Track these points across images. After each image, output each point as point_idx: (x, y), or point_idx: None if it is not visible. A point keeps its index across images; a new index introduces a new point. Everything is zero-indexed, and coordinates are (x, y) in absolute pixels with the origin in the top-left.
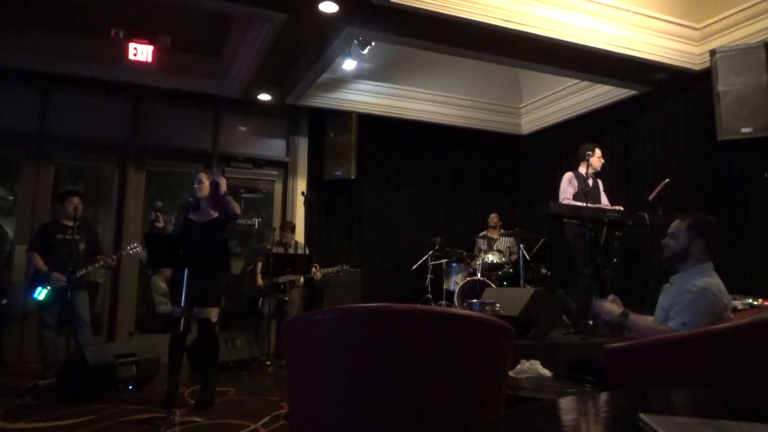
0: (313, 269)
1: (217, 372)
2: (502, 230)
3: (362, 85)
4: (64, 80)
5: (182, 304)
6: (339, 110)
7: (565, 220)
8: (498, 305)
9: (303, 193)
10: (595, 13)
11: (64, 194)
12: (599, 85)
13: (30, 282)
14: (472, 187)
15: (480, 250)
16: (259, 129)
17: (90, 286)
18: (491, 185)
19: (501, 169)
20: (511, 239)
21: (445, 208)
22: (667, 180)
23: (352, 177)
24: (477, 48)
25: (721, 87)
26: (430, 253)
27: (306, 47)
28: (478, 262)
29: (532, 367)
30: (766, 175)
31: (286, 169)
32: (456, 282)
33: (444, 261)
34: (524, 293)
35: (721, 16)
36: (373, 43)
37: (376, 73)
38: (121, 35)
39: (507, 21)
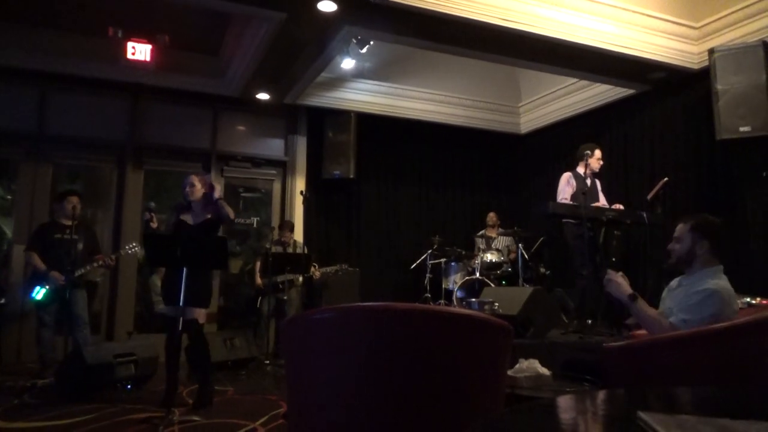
0: (312, 268)
1: (213, 371)
2: (500, 229)
3: (361, 85)
4: (62, 79)
5: (180, 304)
6: (338, 109)
7: (563, 219)
8: (497, 304)
9: (302, 193)
10: (594, 12)
11: (63, 194)
12: (598, 84)
13: (28, 281)
14: (470, 186)
15: (479, 249)
16: (257, 128)
17: (88, 285)
18: (490, 184)
19: (500, 169)
20: (510, 238)
21: (444, 207)
22: (666, 179)
23: (351, 176)
24: (476, 47)
25: (719, 86)
26: (429, 252)
27: (304, 46)
28: (477, 261)
29: (530, 366)
30: (764, 173)
31: (284, 168)
32: (455, 281)
33: (443, 260)
34: (523, 292)
35: (720, 15)
36: (371, 43)
37: (375, 72)
38: (119, 34)
39: (506, 20)
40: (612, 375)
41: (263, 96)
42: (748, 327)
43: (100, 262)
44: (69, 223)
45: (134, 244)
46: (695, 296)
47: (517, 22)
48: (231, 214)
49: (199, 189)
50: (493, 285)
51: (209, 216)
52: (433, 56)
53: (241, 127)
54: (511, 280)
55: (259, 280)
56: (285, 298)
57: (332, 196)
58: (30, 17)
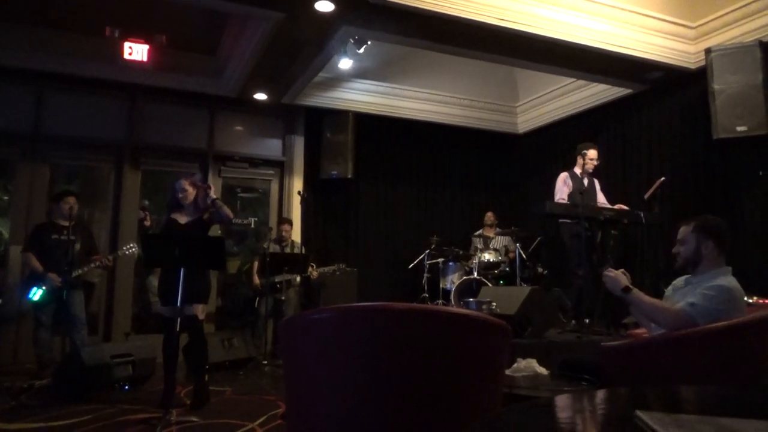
0: (310, 268)
1: (209, 370)
2: (498, 229)
3: (359, 84)
4: (59, 79)
5: (177, 304)
6: (335, 109)
7: (560, 219)
8: (494, 304)
9: (299, 193)
10: (591, 11)
11: (60, 194)
12: (595, 83)
13: (25, 282)
14: (468, 186)
15: (476, 248)
16: (255, 128)
17: (86, 286)
18: (488, 184)
19: (497, 168)
20: (508, 238)
21: (442, 206)
22: (663, 178)
23: (349, 176)
24: (473, 47)
25: (716, 85)
26: (427, 252)
27: (302, 46)
28: (475, 261)
29: (528, 366)
30: (761, 173)
31: (282, 168)
32: (452, 281)
33: (440, 260)
34: (520, 292)
35: (716, 14)
36: (369, 42)
37: (373, 72)
38: (116, 34)
39: (503, 20)
40: (610, 374)
41: (261, 96)
42: (746, 326)
43: (98, 263)
44: (66, 223)
45: (132, 245)
46: (707, 290)
47: (515, 22)
48: (230, 213)
49: (191, 192)
50: (490, 285)
51: (202, 215)
52: (431, 56)
53: (238, 127)
54: (509, 279)
55: (257, 280)
56: (283, 298)
57: (330, 196)
58: (27, 17)
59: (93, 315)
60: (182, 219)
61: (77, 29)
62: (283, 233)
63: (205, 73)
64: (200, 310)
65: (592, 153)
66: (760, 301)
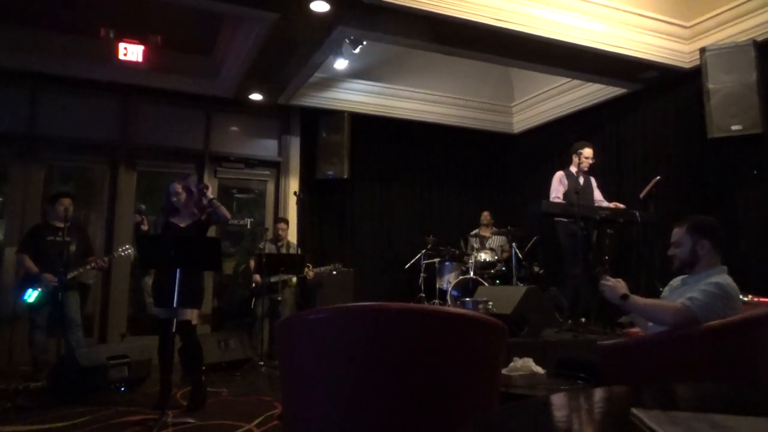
0: (306, 269)
1: (207, 373)
2: (494, 228)
3: (354, 85)
4: (54, 80)
5: (173, 305)
6: (331, 110)
7: (555, 218)
8: (491, 303)
9: (295, 193)
10: (586, 11)
11: (55, 195)
12: (590, 83)
13: (20, 284)
14: (464, 186)
15: (472, 248)
16: (251, 129)
17: (81, 287)
18: (483, 184)
19: (493, 168)
20: (504, 237)
21: (438, 206)
22: (658, 177)
23: (345, 176)
24: (469, 47)
25: (710, 85)
26: (423, 251)
27: (298, 47)
28: (471, 260)
29: (525, 365)
30: (755, 171)
31: (278, 169)
32: (449, 281)
33: (437, 260)
34: (517, 291)
35: (711, 14)
36: (364, 43)
37: (369, 72)
38: (111, 35)
39: (499, 20)
40: (606, 373)
41: (256, 96)
42: (741, 324)
43: (93, 264)
44: (61, 225)
45: (127, 246)
46: (706, 287)
47: (510, 22)
48: (227, 213)
49: (184, 195)
50: (487, 284)
51: (198, 217)
52: (426, 56)
53: (234, 128)
54: (505, 279)
55: (258, 279)
56: (279, 298)
57: (326, 197)
58: (21, 17)
59: (88, 316)
60: (181, 222)
61: (72, 30)
62: (280, 232)
63: (200, 73)
64: (193, 315)
65: (588, 151)
66: (756, 299)
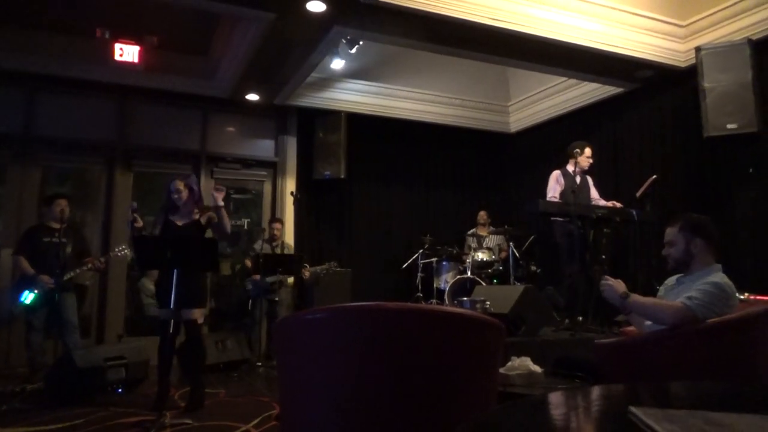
0: (302, 268)
1: (206, 373)
2: (491, 228)
3: (351, 85)
4: (50, 80)
5: (171, 306)
6: (328, 110)
7: (552, 217)
8: (488, 303)
9: (292, 193)
10: (582, 10)
11: (51, 197)
12: (587, 82)
13: (16, 285)
14: (461, 186)
15: (470, 248)
16: (247, 129)
17: (78, 288)
18: (480, 183)
19: (490, 167)
20: (501, 237)
21: (435, 206)
22: (654, 176)
23: (342, 176)
24: (465, 46)
25: (706, 84)
26: (420, 251)
27: (294, 47)
28: (468, 260)
29: (522, 364)
30: (750, 170)
31: (275, 169)
32: (446, 280)
33: (434, 259)
34: (514, 291)
35: (706, 13)
36: (361, 43)
37: (365, 72)
38: (107, 36)
39: (495, 20)
40: (603, 371)
41: (253, 97)
42: (737, 323)
43: (90, 265)
44: (57, 226)
45: (123, 247)
46: (703, 286)
47: (507, 22)
48: (228, 230)
49: (185, 193)
50: (484, 284)
51: (197, 217)
52: (423, 56)
53: (231, 129)
54: (503, 278)
55: (256, 277)
56: (277, 299)
57: (323, 197)
58: (17, 18)
59: (85, 318)
60: (179, 221)
61: (68, 31)
62: (275, 232)
63: (196, 74)
64: (198, 315)
65: (589, 151)
66: (753, 297)
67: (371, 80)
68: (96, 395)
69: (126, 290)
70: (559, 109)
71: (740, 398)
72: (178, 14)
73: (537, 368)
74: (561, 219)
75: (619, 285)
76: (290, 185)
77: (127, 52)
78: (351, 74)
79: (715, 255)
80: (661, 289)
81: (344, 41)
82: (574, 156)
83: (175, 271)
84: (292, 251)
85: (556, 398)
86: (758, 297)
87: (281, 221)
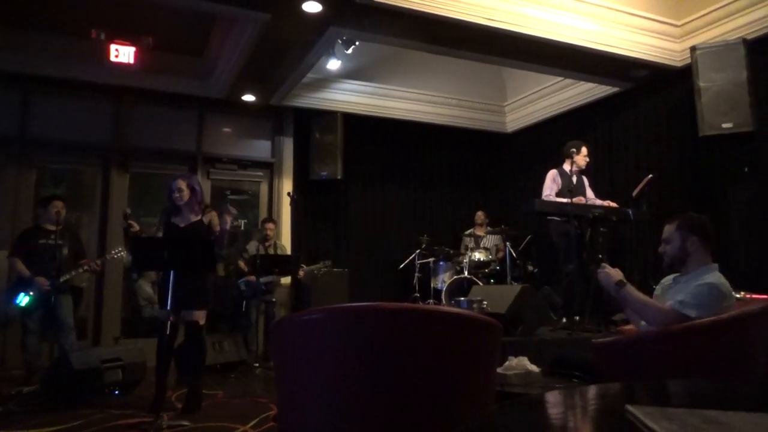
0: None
1: (204, 375)
2: (488, 228)
3: (347, 85)
4: (45, 82)
5: (171, 306)
6: (324, 110)
7: (548, 217)
8: (485, 303)
9: (289, 194)
10: (577, 10)
11: (47, 198)
12: (583, 82)
13: (12, 288)
14: (458, 186)
15: (467, 248)
16: (243, 130)
17: (74, 290)
18: (477, 183)
19: (487, 167)
20: (498, 237)
21: (432, 206)
22: (650, 176)
23: (338, 177)
24: (461, 47)
25: (701, 83)
26: (417, 251)
27: (290, 47)
28: (465, 260)
29: (520, 364)
30: (746, 169)
31: (271, 169)
32: (443, 280)
33: (431, 259)
34: (511, 290)
35: (701, 13)
36: (357, 43)
37: (361, 72)
38: (102, 36)
39: (491, 20)
40: (601, 370)
41: (249, 97)
42: (733, 321)
43: (86, 267)
44: (53, 228)
45: (120, 249)
46: (695, 288)
47: (502, 22)
48: (224, 244)
49: (187, 192)
50: (481, 283)
51: (198, 218)
52: (419, 56)
53: (227, 129)
54: (500, 278)
55: (250, 277)
56: (273, 299)
57: (320, 197)
58: (12, 18)
59: (82, 320)
60: (181, 223)
61: (63, 31)
62: (268, 232)
63: (192, 74)
64: (201, 316)
65: (585, 150)
66: (748, 296)
67: (367, 80)
68: (93, 397)
69: (123, 292)
70: (555, 108)
71: (737, 396)
72: (174, 15)
73: (534, 368)
74: (558, 218)
75: (617, 273)
76: (287, 186)
77: (123, 53)
78: (347, 74)
79: (712, 254)
80: (658, 288)
81: (340, 42)
82: (570, 156)
83: (172, 272)
84: (285, 252)
85: (553, 397)
86: (754, 296)
87: (274, 221)
